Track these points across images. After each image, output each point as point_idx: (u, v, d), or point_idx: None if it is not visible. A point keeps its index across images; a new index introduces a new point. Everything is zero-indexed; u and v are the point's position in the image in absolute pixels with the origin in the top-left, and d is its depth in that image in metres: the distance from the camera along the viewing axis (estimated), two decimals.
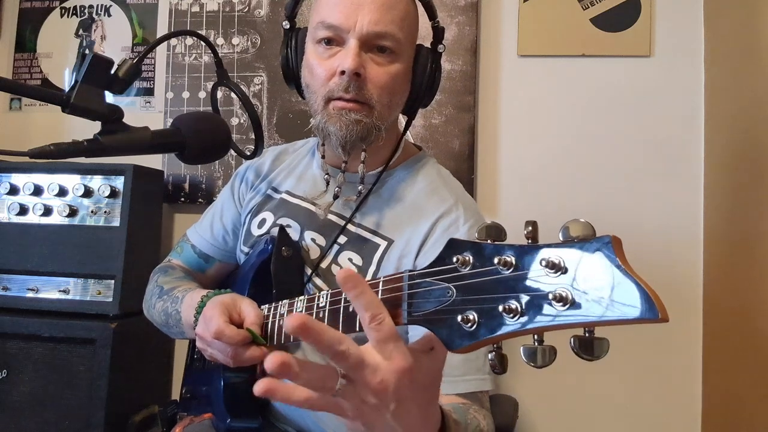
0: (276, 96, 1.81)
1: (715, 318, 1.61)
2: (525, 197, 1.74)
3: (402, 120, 1.02)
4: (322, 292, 0.67)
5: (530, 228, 0.46)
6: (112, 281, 1.52)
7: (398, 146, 1.00)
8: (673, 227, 1.68)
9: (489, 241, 0.47)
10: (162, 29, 1.88)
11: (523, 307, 0.43)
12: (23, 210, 1.57)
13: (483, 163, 1.76)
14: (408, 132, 1.75)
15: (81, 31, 1.93)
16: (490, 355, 0.48)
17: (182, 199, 1.83)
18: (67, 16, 1.93)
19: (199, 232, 1.15)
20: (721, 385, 1.56)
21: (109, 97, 0.69)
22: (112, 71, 0.70)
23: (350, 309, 0.58)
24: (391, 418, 0.51)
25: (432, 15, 0.96)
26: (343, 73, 0.85)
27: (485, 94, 1.76)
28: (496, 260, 0.45)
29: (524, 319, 0.43)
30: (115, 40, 1.91)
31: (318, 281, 0.94)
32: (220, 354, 0.81)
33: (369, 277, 0.90)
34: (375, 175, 0.97)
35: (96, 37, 1.92)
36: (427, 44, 0.97)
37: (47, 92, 0.68)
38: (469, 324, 0.46)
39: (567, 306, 0.41)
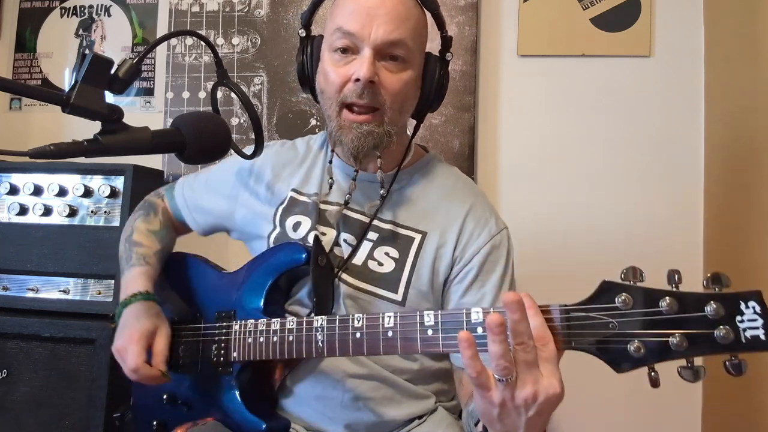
0: (276, 96, 1.81)
1: None
2: (525, 197, 1.74)
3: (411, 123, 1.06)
4: (356, 315, 0.79)
5: (677, 276, 0.58)
6: (112, 281, 1.51)
7: (409, 148, 1.05)
8: (673, 227, 1.67)
9: (642, 284, 0.59)
10: (162, 29, 1.88)
11: (688, 339, 0.57)
12: (23, 210, 1.57)
13: (483, 163, 1.76)
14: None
15: (81, 31, 1.93)
16: (652, 374, 0.61)
17: None
18: (67, 16, 1.93)
19: (186, 198, 1.15)
20: (721, 385, 1.56)
21: (109, 97, 0.69)
22: (112, 71, 0.69)
23: (389, 334, 0.75)
24: (524, 421, 0.63)
25: (441, 26, 1.00)
26: (357, 80, 0.89)
27: (485, 94, 1.76)
28: (661, 303, 0.58)
29: (687, 348, 0.57)
30: (115, 40, 1.91)
31: (347, 277, 0.95)
32: (127, 368, 0.90)
33: (408, 267, 0.95)
34: (392, 176, 1.01)
35: (96, 37, 1.92)
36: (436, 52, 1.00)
37: (47, 92, 0.67)
38: (639, 351, 0.59)
39: (729, 341, 0.55)
